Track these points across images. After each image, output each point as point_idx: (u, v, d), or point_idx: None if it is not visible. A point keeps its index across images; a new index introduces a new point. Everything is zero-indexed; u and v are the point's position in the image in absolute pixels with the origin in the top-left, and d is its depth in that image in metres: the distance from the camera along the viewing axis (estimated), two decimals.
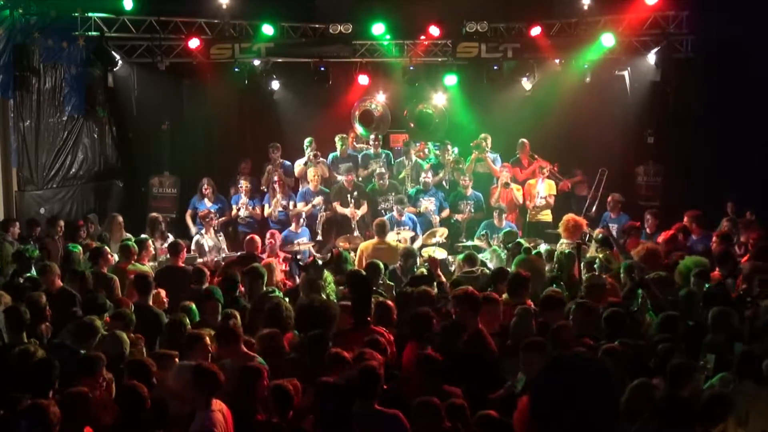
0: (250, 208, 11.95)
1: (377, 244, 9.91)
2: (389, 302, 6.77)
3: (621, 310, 6.41)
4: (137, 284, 7.44)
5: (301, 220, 11.11)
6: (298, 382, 5.10)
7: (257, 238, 9.96)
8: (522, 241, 9.56)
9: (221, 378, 4.95)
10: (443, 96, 13.18)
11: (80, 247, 9.19)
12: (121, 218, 10.87)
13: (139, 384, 4.93)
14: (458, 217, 11.64)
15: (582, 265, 8.59)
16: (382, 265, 8.04)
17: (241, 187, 12.03)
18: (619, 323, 6.18)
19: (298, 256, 9.80)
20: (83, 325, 6.10)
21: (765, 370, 5.27)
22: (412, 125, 13.22)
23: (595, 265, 8.41)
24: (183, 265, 8.98)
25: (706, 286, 7.23)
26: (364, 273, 7.49)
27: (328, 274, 7.86)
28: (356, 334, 5.97)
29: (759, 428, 5.05)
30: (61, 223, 10.84)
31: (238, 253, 10.29)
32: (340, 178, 12.08)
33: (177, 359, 5.63)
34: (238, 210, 11.94)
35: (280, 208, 11.87)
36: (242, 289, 7.72)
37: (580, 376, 2.33)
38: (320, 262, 8.46)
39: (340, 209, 11.73)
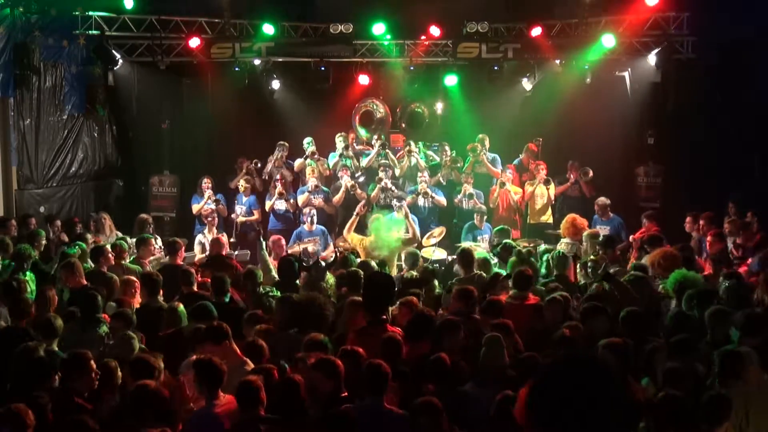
0: (244, 208, 11.93)
1: (373, 240, 9.70)
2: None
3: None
4: (145, 284, 7.45)
5: (313, 217, 10.87)
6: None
7: (223, 239, 9.92)
8: (510, 241, 9.44)
9: (224, 370, 4.99)
10: (440, 96, 13.14)
11: (84, 246, 9.15)
12: (107, 216, 10.87)
13: (147, 382, 4.91)
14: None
15: (578, 267, 8.57)
16: (375, 264, 7.98)
17: (241, 187, 12.02)
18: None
19: (303, 257, 9.72)
20: (46, 321, 6.13)
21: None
22: (403, 125, 13.20)
23: (588, 268, 8.34)
24: (181, 263, 8.96)
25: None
26: (379, 272, 7.53)
27: (330, 276, 7.83)
28: (371, 333, 5.93)
29: (763, 428, 5.04)
30: (58, 222, 10.78)
31: (205, 255, 10.17)
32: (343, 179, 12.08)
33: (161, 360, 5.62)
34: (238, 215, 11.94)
35: (282, 204, 11.89)
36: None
37: (580, 375, 2.31)
38: (323, 263, 8.42)
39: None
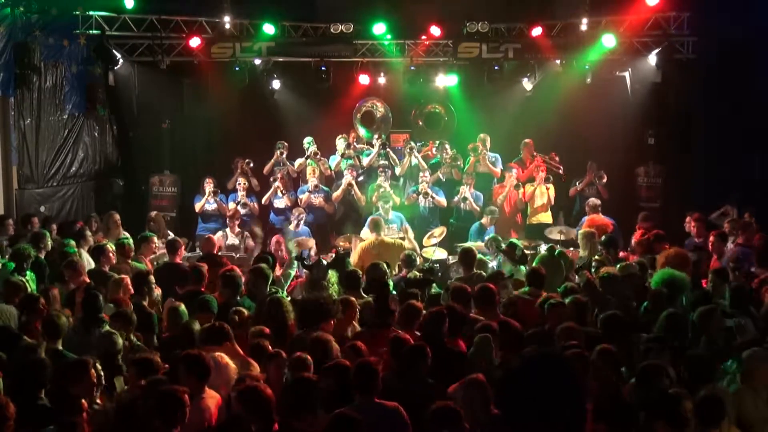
0: (251, 203, 11.94)
1: (375, 242, 9.78)
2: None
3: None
4: (133, 282, 7.41)
5: (299, 221, 11.02)
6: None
7: (214, 238, 9.92)
8: (515, 240, 9.44)
9: (211, 365, 5.05)
10: (446, 89, 13.12)
11: (72, 242, 9.11)
12: (118, 216, 10.79)
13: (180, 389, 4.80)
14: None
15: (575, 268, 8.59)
16: (384, 265, 7.95)
17: (239, 184, 12.04)
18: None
19: (303, 255, 9.71)
20: (50, 321, 6.12)
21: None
22: (420, 123, 13.19)
23: (592, 268, 8.32)
24: (181, 262, 8.96)
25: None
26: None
27: (332, 274, 7.83)
28: (377, 335, 5.97)
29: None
30: (54, 226, 10.71)
31: (195, 254, 10.18)
32: (345, 178, 12.08)
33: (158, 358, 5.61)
34: (237, 204, 11.92)
35: (282, 201, 11.94)
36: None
37: (542, 372, 2.39)
38: (324, 262, 8.43)
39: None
